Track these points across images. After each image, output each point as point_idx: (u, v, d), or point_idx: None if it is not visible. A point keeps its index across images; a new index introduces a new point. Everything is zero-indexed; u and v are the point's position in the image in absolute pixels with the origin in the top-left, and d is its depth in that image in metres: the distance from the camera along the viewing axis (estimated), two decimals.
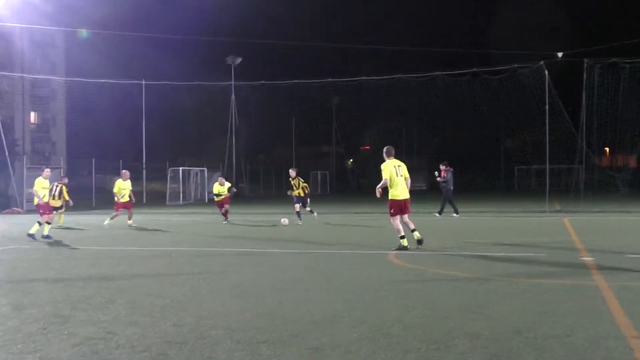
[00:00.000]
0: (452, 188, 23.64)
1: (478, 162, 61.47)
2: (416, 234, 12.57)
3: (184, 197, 45.34)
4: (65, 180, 19.75)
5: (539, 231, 17.22)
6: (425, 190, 54.37)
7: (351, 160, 78.36)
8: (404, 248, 12.22)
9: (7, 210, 32.92)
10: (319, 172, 62.12)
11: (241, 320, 6.37)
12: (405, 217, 12.57)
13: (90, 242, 15.64)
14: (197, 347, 5.33)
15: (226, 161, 57.26)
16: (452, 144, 60.69)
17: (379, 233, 17.08)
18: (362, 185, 59.70)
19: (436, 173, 24.05)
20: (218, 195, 22.30)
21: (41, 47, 72.31)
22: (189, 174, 48.17)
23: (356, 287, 8.36)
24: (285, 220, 19.29)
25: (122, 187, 21.11)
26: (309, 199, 21.28)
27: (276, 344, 5.43)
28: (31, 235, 16.05)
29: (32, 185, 34.28)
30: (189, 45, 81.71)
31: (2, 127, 36.26)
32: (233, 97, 56.38)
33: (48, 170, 17.89)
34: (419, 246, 12.41)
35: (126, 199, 20.95)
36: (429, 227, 18.69)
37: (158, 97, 49.91)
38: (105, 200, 40.47)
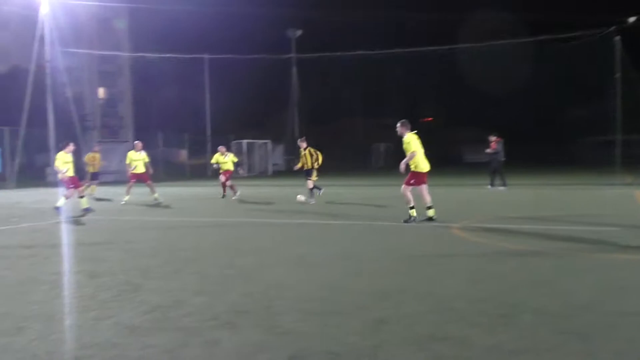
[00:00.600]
0: (502, 159, 23.24)
1: (542, 133, 59.94)
2: (431, 212, 12.55)
3: (248, 169, 45.95)
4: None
5: (608, 204, 16.69)
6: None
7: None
8: (414, 219, 12.29)
9: (82, 182, 34.06)
10: (381, 144, 61.74)
11: (306, 291, 6.45)
12: (425, 190, 12.60)
13: (156, 214, 16.04)
14: (263, 317, 5.43)
15: (288, 135, 57.62)
16: (512, 114, 59.30)
17: (440, 205, 16.91)
18: (427, 157, 59.20)
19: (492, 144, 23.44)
20: (219, 164, 21.58)
21: (107, 24, 73.83)
22: (252, 146, 48.72)
23: (419, 259, 8.33)
24: (301, 197, 17.81)
25: (134, 159, 20.48)
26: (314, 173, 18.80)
27: (341, 315, 5.47)
28: (58, 209, 15.68)
29: (103, 158, 35.15)
30: (251, 18, 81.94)
31: (75, 102, 37.36)
32: (294, 69, 56.45)
33: (72, 145, 17.21)
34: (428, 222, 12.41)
35: (140, 170, 20.16)
36: (494, 199, 18.39)
37: (221, 71, 50.42)
38: (172, 173, 41.48)
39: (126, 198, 19.79)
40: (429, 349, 4.52)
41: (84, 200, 16.56)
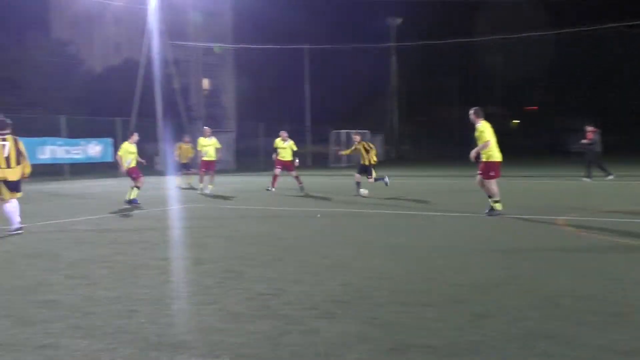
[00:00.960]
0: (599, 150, 22.13)
1: None
2: (498, 205, 12.10)
3: (347, 159, 46.13)
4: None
5: None
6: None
7: (516, 121, 75.23)
8: (498, 213, 11.87)
9: (185, 171, 35.38)
10: None
11: (405, 283, 6.42)
12: (495, 182, 12.12)
13: (255, 203, 16.39)
14: (362, 308, 5.46)
15: (388, 124, 57.37)
16: (620, 102, 56.24)
17: (545, 197, 16.37)
18: (529, 147, 57.12)
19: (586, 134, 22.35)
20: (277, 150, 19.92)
21: (211, 16, 75.90)
22: (351, 136, 48.77)
23: (520, 253, 8.10)
24: (364, 191, 17.20)
25: (204, 144, 19.86)
26: (373, 170, 17.90)
27: (441, 308, 5.42)
28: (132, 201, 15.67)
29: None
30: (350, 8, 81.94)
31: (181, 93, 38.79)
32: (394, 58, 56.06)
33: (136, 135, 17.11)
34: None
35: (210, 157, 19.68)
36: (597, 191, 17.57)
37: (321, 61, 50.79)
38: (272, 162, 42.23)
39: (203, 186, 19.32)
40: (534, 347, 4.40)
41: (136, 191, 15.98)
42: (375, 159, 17.86)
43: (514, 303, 5.54)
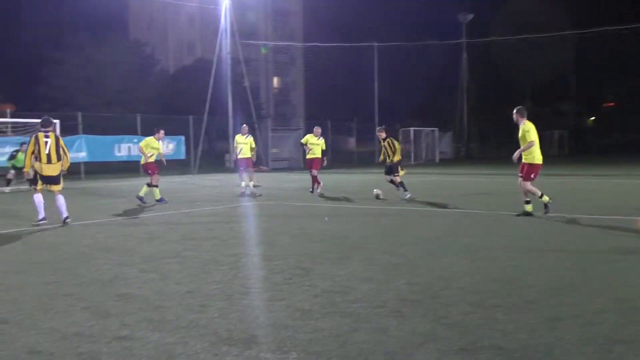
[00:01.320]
0: None
1: None
2: (545, 198, 11.83)
3: (415, 157, 45.78)
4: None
5: None
6: None
7: (592, 118, 72.78)
8: (530, 214, 11.70)
9: (255, 168, 35.90)
10: (555, 131, 58.65)
11: (474, 283, 6.32)
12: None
13: (322, 200, 16.44)
14: (431, 307, 5.41)
15: (457, 121, 56.57)
16: None
17: (622, 197, 15.77)
18: (606, 146, 55.12)
19: None
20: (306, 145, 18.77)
21: (282, 15, 76.66)
22: (419, 134, 48.42)
23: (594, 255, 7.84)
24: (378, 191, 16.16)
25: (239, 142, 19.19)
26: (399, 167, 16.46)
27: (512, 309, 5.31)
28: (140, 199, 15.66)
29: (276, 145, 36.60)
30: (420, 4, 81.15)
31: (251, 92, 39.37)
32: (465, 55, 55.21)
33: (162, 132, 16.99)
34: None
35: (245, 154, 18.98)
36: None
37: (390, 58, 50.49)
38: (340, 160, 42.38)
39: (243, 184, 18.91)
40: (610, 351, 4.25)
41: (146, 189, 15.97)
42: (399, 156, 16.39)
43: (587, 306, 5.37)
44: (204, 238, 9.75)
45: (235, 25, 36.97)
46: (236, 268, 7.30)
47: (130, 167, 31.31)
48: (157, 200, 15.74)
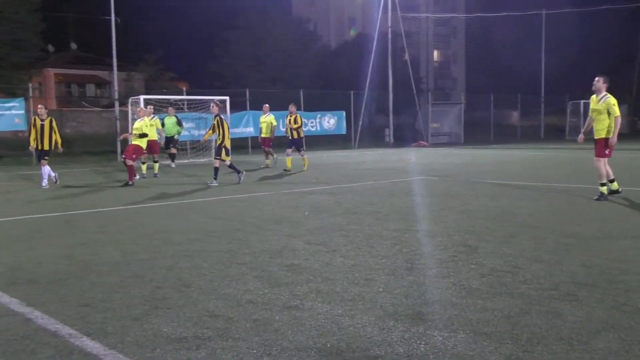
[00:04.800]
0: None
1: None
2: (615, 185, 10.67)
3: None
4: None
5: None
6: None
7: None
8: (604, 196, 10.62)
9: (415, 144, 35.69)
10: None
11: None
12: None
13: (486, 175, 15.95)
14: (609, 292, 5.08)
15: (633, 93, 52.46)
16: None
17: None
18: None
19: None
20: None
21: None
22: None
23: None
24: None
25: (260, 121, 20.62)
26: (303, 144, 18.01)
27: None
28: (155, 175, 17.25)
29: (436, 120, 36.24)
30: None
31: (411, 66, 39.02)
32: None
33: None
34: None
35: (265, 133, 20.36)
36: None
37: (559, 27, 47.69)
38: (502, 135, 40.92)
39: (267, 162, 20.16)
40: None
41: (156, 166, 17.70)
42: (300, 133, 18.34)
43: None
44: (366, 212, 9.85)
45: None
46: (400, 243, 7.30)
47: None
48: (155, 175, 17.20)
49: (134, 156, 15.25)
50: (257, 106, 31.69)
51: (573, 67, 61.02)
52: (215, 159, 15.12)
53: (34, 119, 14.87)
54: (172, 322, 4.51)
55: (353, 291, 5.26)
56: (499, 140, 38.41)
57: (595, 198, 10.70)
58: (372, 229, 8.26)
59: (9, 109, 23.34)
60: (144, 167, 17.43)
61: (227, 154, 14.81)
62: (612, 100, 10.57)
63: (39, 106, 15.14)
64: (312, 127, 31.92)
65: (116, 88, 29.37)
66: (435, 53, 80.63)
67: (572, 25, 54.95)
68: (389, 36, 37.01)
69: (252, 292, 5.26)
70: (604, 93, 10.69)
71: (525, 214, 9.40)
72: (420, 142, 36.14)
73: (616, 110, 10.53)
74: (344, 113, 33.34)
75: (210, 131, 15.26)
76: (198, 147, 24.61)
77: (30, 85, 29.79)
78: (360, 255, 6.68)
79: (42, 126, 14.66)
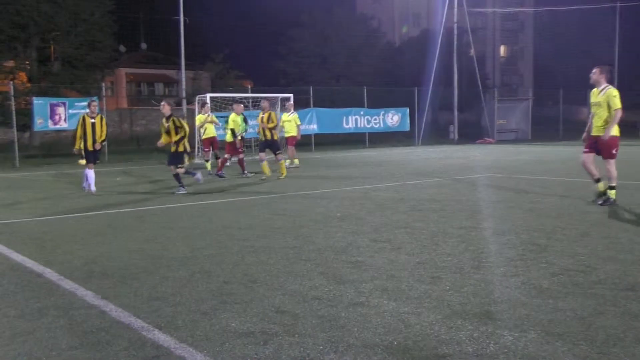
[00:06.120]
0: None
1: None
2: (601, 185, 9.84)
3: None
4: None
5: None
6: None
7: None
8: (613, 201, 9.69)
9: (480, 140, 35.11)
10: None
11: None
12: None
13: (556, 174, 15.55)
14: None
15: None
16: None
17: None
18: None
19: None
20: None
21: None
22: None
23: None
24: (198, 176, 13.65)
25: (284, 120, 19.25)
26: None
27: None
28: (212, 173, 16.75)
29: (503, 116, 35.60)
30: None
31: (476, 62, 38.39)
32: None
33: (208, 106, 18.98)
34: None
35: (292, 132, 19.22)
36: None
37: (632, 18, 45.98)
38: (572, 130, 39.78)
39: (296, 162, 19.18)
40: None
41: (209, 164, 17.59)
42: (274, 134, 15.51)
43: None
44: (431, 209, 9.74)
45: None
46: (466, 241, 7.19)
47: (356, 139, 32.31)
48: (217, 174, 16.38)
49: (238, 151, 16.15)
50: (321, 103, 31.86)
51: None
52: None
53: (83, 117, 13.31)
54: (240, 317, 4.57)
55: (419, 289, 5.21)
56: (568, 137, 37.29)
57: (599, 202, 9.80)
58: (437, 227, 8.16)
59: (84, 107, 24.16)
60: (208, 164, 17.74)
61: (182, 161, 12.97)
62: (614, 91, 9.66)
63: (93, 103, 13.50)
64: (375, 124, 31.83)
65: (184, 87, 30.02)
66: (502, 48, 78.95)
67: None
68: (455, 32, 36.51)
69: (317, 289, 5.28)
70: (605, 84, 9.79)
71: (598, 212, 9.11)
72: (486, 138, 35.51)
73: (617, 103, 9.58)
74: (408, 110, 33.08)
75: (167, 136, 12.83)
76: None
77: (103, 85, 30.72)
78: (425, 252, 6.60)
79: (93, 125, 13.18)
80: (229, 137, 16.59)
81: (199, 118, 18.20)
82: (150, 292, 5.27)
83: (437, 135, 36.55)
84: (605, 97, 9.65)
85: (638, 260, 6.03)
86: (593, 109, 9.91)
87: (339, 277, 5.65)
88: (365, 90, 32.58)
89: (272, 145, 15.41)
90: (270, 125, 15.19)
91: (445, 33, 36.61)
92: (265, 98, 18.26)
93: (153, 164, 22.22)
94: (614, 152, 9.77)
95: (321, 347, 3.93)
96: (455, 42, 36.44)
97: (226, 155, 16.79)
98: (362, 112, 31.54)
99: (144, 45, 61.46)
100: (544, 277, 5.47)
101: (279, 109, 23.13)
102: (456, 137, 36.19)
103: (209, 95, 22.75)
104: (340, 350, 3.87)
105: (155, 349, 3.97)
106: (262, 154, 15.43)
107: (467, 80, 39.21)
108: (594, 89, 9.93)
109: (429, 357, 3.74)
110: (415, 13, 70.11)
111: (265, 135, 15.38)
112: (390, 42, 60.07)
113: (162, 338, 4.16)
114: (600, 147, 9.84)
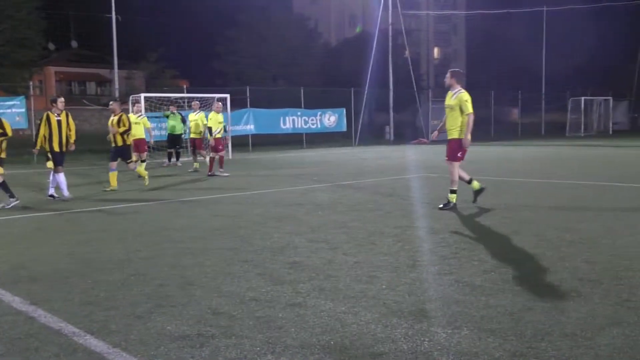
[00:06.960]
0: None
1: None
2: (476, 184, 10.09)
3: (585, 128, 43.12)
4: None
5: None
6: None
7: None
8: (454, 206, 9.77)
9: (415, 141, 35.68)
10: None
11: None
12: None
13: (486, 173, 15.95)
14: (613, 288, 5.08)
15: (633, 90, 52.47)
16: None
17: None
18: None
19: None
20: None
21: None
22: (590, 103, 45.43)
23: None
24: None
25: (219, 120, 16.89)
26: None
27: None
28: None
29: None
30: None
31: (411, 63, 38.99)
32: None
33: (219, 104, 17.00)
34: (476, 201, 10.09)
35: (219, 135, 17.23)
36: None
37: (559, 23, 47.65)
38: (502, 132, 40.88)
39: (195, 164, 18.43)
40: None
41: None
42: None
43: None
44: (367, 209, 9.84)
45: None
46: (402, 240, 7.30)
47: (294, 139, 32.32)
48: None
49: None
50: (257, 104, 31.71)
51: (574, 64, 60.97)
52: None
53: (47, 115, 11.88)
54: (176, 320, 4.51)
55: (356, 288, 5.26)
56: (500, 137, 38.37)
57: (440, 206, 9.78)
58: (373, 226, 8.25)
59: (10, 107, 23.34)
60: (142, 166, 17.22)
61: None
62: (465, 95, 9.61)
63: (60, 99, 12.21)
64: (312, 124, 31.93)
65: (117, 86, 29.37)
66: (436, 50, 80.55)
67: (574, 22, 54.93)
68: (390, 33, 36.99)
69: (255, 290, 5.26)
70: (458, 88, 9.74)
71: (527, 210, 9.41)
72: (421, 139, 36.12)
73: (469, 107, 9.55)
74: (345, 110, 33.31)
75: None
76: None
77: (31, 83, 29.75)
78: (362, 252, 6.67)
79: (59, 123, 11.93)
80: (209, 136, 16.65)
81: (129, 117, 17.61)
82: (82, 297, 5.14)
83: (374, 135, 36.93)
84: (457, 101, 9.66)
85: (564, 257, 6.25)
86: (446, 112, 9.99)
87: (277, 278, 5.64)
88: (302, 90, 32.63)
89: (123, 152, 13.54)
90: (122, 129, 13.31)
91: (381, 35, 37.05)
92: (199, 98, 17.76)
93: (84, 164, 21.65)
94: (458, 155, 9.84)
95: (258, 349, 3.92)
96: (390, 44, 36.92)
97: (212, 154, 16.63)
98: (299, 113, 31.58)
99: (74, 43, 59.87)
100: (477, 275, 5.61)
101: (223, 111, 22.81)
102: (392, 137, 36.67)
103: (142, 95, 22.30)
104: (277, 351, 3.87)
105: (87, 355, 3.88)
106: (114, 163, 13.42)
107: (403, 81, 39.75)
108: (449, 92, 9.97)
109: (365, 356, 3.78)
110: (352, 14, 70.76)
111: (115, 141, 13.46)
112: (327, 43, 60.40)
113: (95, 343, 4.06)
114: (447, 148, 9.95)
